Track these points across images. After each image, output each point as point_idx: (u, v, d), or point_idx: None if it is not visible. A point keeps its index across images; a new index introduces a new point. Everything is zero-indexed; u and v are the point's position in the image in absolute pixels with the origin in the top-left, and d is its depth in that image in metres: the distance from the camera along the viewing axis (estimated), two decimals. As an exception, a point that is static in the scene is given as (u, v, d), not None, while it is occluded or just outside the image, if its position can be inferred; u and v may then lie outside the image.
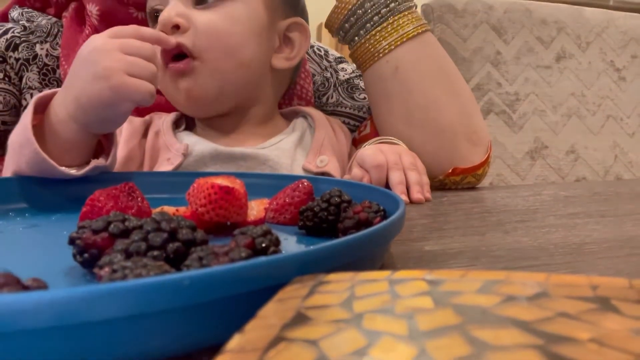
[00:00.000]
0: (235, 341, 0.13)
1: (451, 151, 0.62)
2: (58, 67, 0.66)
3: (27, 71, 0.65)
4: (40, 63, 0.66)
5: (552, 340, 0.11)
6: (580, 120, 1.09)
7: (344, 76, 0.75)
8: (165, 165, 0.57)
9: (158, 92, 0.63)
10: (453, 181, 0.64)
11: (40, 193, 0.43)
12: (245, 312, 0.15)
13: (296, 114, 0.67)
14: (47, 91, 0.46)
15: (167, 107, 0.65)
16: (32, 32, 0.66)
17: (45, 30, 0.67)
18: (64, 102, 0.44)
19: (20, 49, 0.65)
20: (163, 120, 0.62)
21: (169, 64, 0.56)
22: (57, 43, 0.67)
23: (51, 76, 0.67)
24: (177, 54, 0.56)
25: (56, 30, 0.68)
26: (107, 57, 0.42)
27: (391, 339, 0.12)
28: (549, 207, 0.50)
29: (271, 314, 0.14)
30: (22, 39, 0.66)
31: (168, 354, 0.17)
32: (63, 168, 0.43)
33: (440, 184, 0.64)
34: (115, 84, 0.41)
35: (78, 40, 0.65)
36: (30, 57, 0.66)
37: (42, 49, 0.66)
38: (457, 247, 0.34)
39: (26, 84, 0.65)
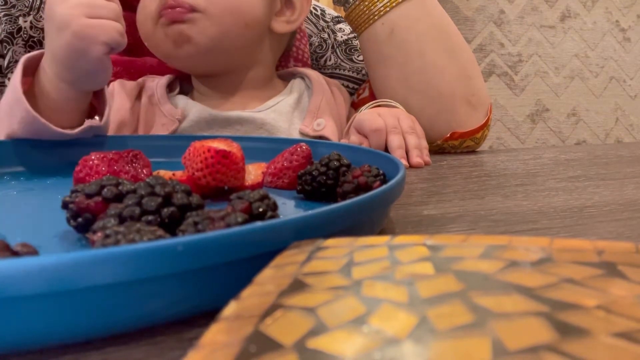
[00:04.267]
0: (231, 308, 0.13)
1: (450, 115, 0.61)
2: (44, 38, 0.65)
3: (13, 45, 0.64)
4: (25, 35, 0.64)
5: (557, 307, 0.11)
6: (583, 82, 1.07)
7: (342, 37, 0.73)
8: (160, 131, 0.56)
9: (149, 54, 0.62)
10: (452, 145, 0.63)
11: (36, 156, 0.43)
12: (242, 278, 0.15)
13: (293, 75, 0.66)
14: (35, 52, 0.44)
15: (159, 71, 0.63)
16: (13, 6, 0.65)
17: (27, 4, 0.65)
18: (47, 61, 0.43)
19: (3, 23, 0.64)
20: (156, 84, 0.60)
21: (163, 11, 0.54)
22: (42, 16, 0.65)
23: (38, 48, 0.66)
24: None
25: (39, 3, 0.66)
26: (62, 5, 0.40)
27: (391, 307, 0.12)
28: (549, 171, 0.49)
29: (268, 281, 0.14)
30: (3, 12, 0.64)
31: (163, 320, 0.17)
32: (57, 128, 0.42)
33: (439, 148, 0.63)
34: (76, 29, 0.39)
35: None
36: (14, 30, 0.64)
37: (25, 21, 0.65)
38: (456, 211, 0.34)
39: (12, 58, 0.64)
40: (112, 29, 0.40)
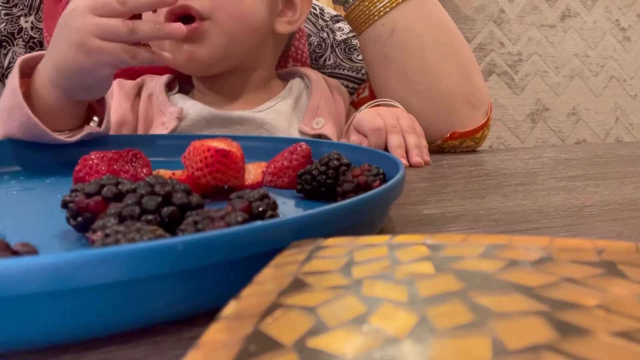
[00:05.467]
0: (231, 307, 0.13)
1: (450, 115, 0.61)
2: (44, 39, 0.65)
3: (13, 45, 0.64)
4: (26, 36, 0.64)
5: (557, 307, 0.11)
6: (583, 81, 1.07)
7: (341, 36, 0.73)
8: (160, 130, 0.56)
9: None
10: (452, 145, 0.63)
11: (35, 156, 0.43)
12: (242, 277, 0.15)
13: (292, 75, 0.66)
14: (33, 53, 0.44)
15: (158, 70, 0.63)
16: (15, 5, 0.64)
17: (27, 4, 0.65)
18: (45, 67, 0.42)
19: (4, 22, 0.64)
20: (155, 83, 0.60)
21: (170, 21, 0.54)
22: (42, 17, 0.65)
23: (38, 49, 0.66)
24: (183, 16, 0.54)
25: (38, 2, 0.66)
26: (77, 20, 0.39)
27: (391, 306, 0.12)
28: (549, 170, 0.49)
29: (268, 280, 0.14)
30: (4, 11, 0.64)
31: (163, 320, 0.17)
32: (55, 134, 0.42)
33: (438, 148, 0.63)
34: (89, 49, 0.39)
35: (58, 9, 0.63)
36: (15, 30, 0.64)
37: (26, 22, 0.65)
38: (456, 210, 0.34)
39: (13, 58, 0.64)
40: (123, 52, 0.39)
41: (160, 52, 0.41)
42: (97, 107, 0.47)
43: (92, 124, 0.45)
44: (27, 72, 0.43)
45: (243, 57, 0.58)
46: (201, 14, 0.53)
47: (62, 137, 0.42)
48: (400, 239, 0.16)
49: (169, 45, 0.56)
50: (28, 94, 0.43)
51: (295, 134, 0.58)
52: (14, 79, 0.41)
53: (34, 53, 0.44)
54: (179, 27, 0.41)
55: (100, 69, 0.40)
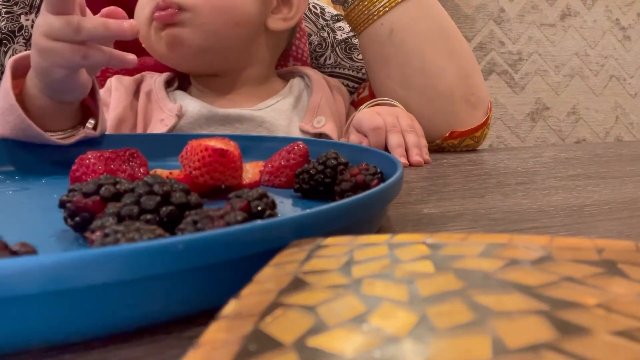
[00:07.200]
0: (231, 306, 0.13)
1: (449, 115, 0.61)
2: None
3: (14, 43, 0.64)
4: (26, 34, 0.64)
5: (557, 306, 0.11)
6: (583, 80, 1.07)
7: (341, 35, 0.73)
8: (159, 127, 0.56)
9: (147, 54, 0.62)
10: (451, 144, 0.63)
11: (31, 156, 0.43)
12: (242, 276, 0.15)
13: (293, 74, 0.66)
14: (23, 53, 0.43)
15: (157, 70, 0.63)
16: (15, 3, 0.64)
17: (27, 2, 0.65)
18: (32, 69, 0.41)
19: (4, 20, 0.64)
20: (155, 80, 0.60)
21: (155, 13, 0.54)
22: None
23: None
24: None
25: (39, 1, 0.66)
26: (38, 18, 0.39)
27: (391, 305, 0.12)
28: (549, 169, 0.49)
29: (268, 279, 0.14)
30: (5, 9, 0.64)
31: (163, 319, 0.17)
32: (49, 135, 0.41)
33: (438, 148, 0.63)
34: (39, 48, 0.38)
35: None
36: (16, 28, 0.64)
37: (27, 20, 0.65)
38: (456, 209, 0.34)
39: (13, 55, 0.64)
40: (71, 52, 0.37)
41: (122, 53, 0.39)
42: (93, 108, 0.46)
43: (88, 125, 0.45)
44: (21, 73, 0.43)
45: (231, 52, 0.58)
46: (182, 6, 0.53)
47: (56, 139, 0.42)
48: (400, 238, 0.16)
49: (153, 36, 0.56)
50: (22, 96, 0.42)
51: (296, 133, 0.58)
52: (6, 80, 0.41)
53: (25, 52, 0.43)
54: (131, 26, 0.38)
55: (54, 71, 0.39)
